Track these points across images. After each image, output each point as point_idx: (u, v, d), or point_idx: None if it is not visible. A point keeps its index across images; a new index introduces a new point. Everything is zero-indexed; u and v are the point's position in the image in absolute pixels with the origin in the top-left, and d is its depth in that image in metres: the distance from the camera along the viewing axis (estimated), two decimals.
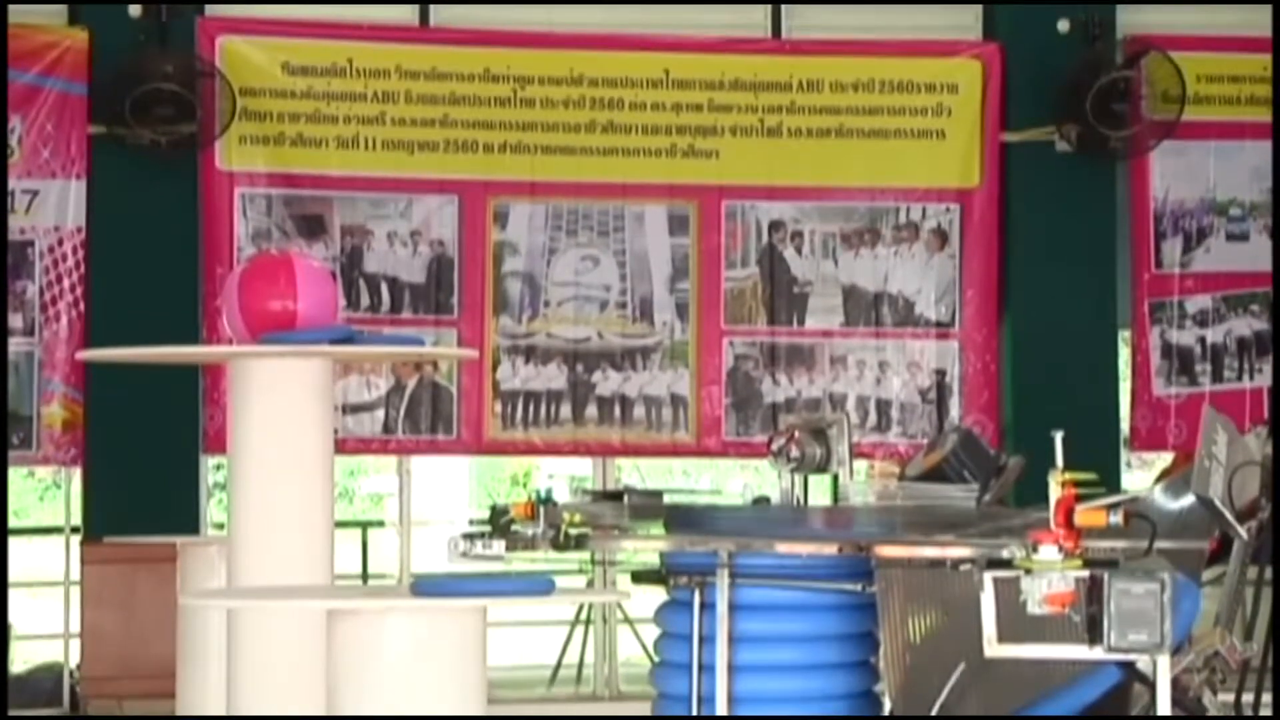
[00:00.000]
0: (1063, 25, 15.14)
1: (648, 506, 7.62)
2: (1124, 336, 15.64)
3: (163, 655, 9.72)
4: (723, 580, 5.46)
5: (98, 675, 13.66)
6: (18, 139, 14.07)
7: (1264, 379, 15.39)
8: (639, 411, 14.95)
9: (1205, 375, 15.52)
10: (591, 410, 14.90)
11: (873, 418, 15.01)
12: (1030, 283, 15.36)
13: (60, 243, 14.16)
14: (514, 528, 8.52)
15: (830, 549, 5.79)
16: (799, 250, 15.21)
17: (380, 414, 14.67)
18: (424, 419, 14.80)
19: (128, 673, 12.84)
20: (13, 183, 14.05)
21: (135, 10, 14.25)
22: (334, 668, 5.87)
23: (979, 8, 15.59)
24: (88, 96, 14.18)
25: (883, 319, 15.29)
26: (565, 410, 14.87)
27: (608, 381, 14.98)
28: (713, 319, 15.09)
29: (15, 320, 14.08)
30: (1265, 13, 15.57)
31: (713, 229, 15.12)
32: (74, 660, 14.00)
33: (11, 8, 14.25)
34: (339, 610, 5.96)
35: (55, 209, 14.17)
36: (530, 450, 15.66)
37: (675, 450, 15.56)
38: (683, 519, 6.77)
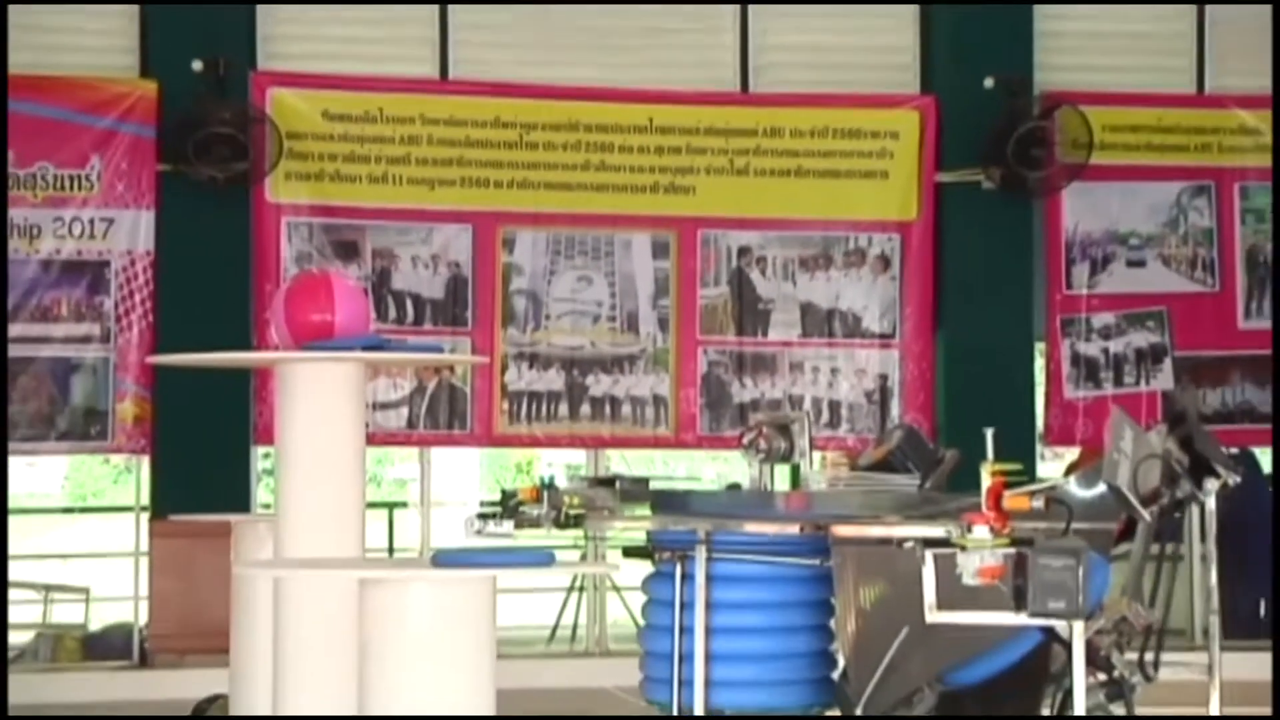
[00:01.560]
0: (988, 82, 15.09)
1: (636, 491, 7.62)
2: (1039, 348, 15.64)
3: (219, 617, 9.67)
4: (701, 554, 5.42)
5: (163, 633, 13.68)
6: (96, 174, 14.06)
7: (1158, 384, 15.43)
8: (626, 410, 14.93)
9: (1108, 381, 15.53)
10: (585, 408, 14.90)
11: (825, 416, 14.98)
12: (960, 301, 15.33)
13: (132, 263, 14.13)
14: (521, 509, 8.50)
15: (793, 528, 5.74)
16: (763, 272, 15.20)
17: (405, 411, 14.67)
18: (442, 415, 14.80)
19: (188, 631, 12.85)
20: (91, 212, 14.06)
21: (197, 65, 14.20)
22: (365, 628, 5.87)
23: (917, 65, 15.54)
24: (156, 139, 14.16)
25: (834, 331, 15.28)
26: (563, 408, 14.86)
27: (599, 384, 14.98)
28: (689, 331, 15.09)
29: (94, 329, 14.07)
30: (1161, 73, 15.76)
31: (689, 254, 15.10)
32: (143, 620, 14.00)
33: (88, 60, 14.45)
34: (369, 579, 5.97)
35: (128, 235, 14.14)
36: (533, 443, 15.65)
37: (657, 443, 15.54)
38: (667, 502, 6.75)
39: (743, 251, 15.20)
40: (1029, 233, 15.46)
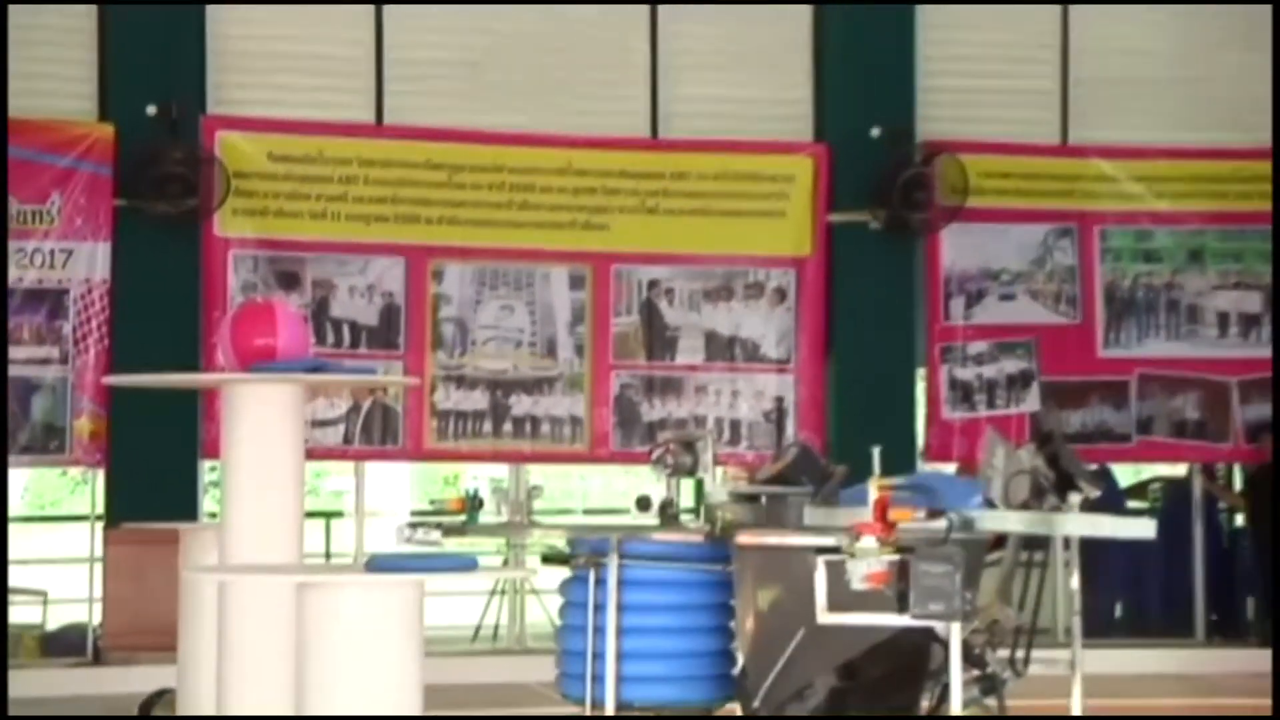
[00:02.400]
0: (875, 132, 15.16)
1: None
2: (920, 373, 15.73)
3: (167, 617, 9.61)
4: (613, 561, 5.39)
5: (115, 633, 13.59)
6: (57, 209, 13.99)
7: (1026, 406, 15.51)
8: (545, 428, 14.93)
9: (981, 403, 15.64)
10: (508, 426, 14.88)
11: (726, 434, 14.98)
12: (850, 330, 15.34)
13: (90, 291, 14.06)
14: (448, 519, 8.50)
15: (697, 536, 5.73)
16: (670, 303, 15.23)
17: (341, 428, 14.62)
18: (375, 432, 14.78)
19: (139, 631, 12.74)
20: (51, 244, 14.00)
21: (152, 109, 14.15)
22: (303, 628, 5.81)
23: (811, 116, 15.57)
24: (113, 176, 14.10)
25: (735, 357, 15.31)
26: (487, 426, 14.84)
27: (520, 404, 14.95)
28: (603, 356, 15.08)
29: (53, 352, 13.99)
30: (1029, 125, 15.88)
31: (604, 286, 15.10)
32: (96, 620, 13.91)
33: (50, 104, 14.31)
34: (307, 583, 5.93)
35: (86, 265, 14.07)
36: (459, 457, 15.69)
37: (573, 458, 15.57)
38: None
39: (652, 284, 15.22)
40: (911, 269, 15.53)
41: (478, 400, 14.86)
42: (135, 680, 10.61)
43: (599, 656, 5.40)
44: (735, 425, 15.14)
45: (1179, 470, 16.75)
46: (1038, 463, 5.53)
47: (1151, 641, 15.44)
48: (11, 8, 14.18)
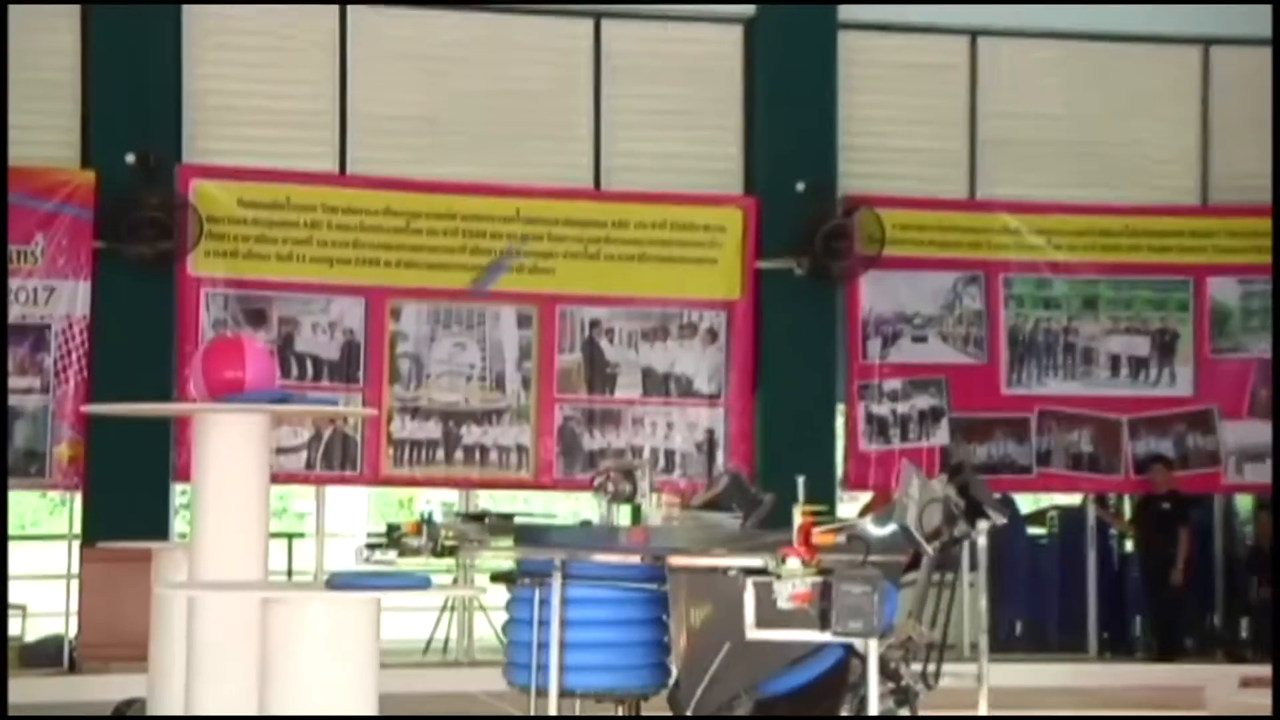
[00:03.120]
0: (800, 186, 15.17)
1: (501, 526, 7.63)
2: (840, 408, 15.69)
3: (139, 630, 9.56)
4: (557, 580, 5.37)
5: (90, 644, 13.48)
6: (40, 250, 13.99)
7: (937, 439, 15.59)
8: (493, 456, 14.92)
9: (896, 436, 15.66)
10: (459, 454, 14.86)
11: (662, 463, 14.93)
12: (776, 368, 15.35)
13: (70, 326, 14.04)
14: (404, 540, 8.50)
15: (635, 558, 5.71)
16: (610, 341, 15.23)
17: (304, 454, 14.58)
18: (336, 459, 14.75)
19: (112, 643, 12.66)
20: (35, 282, 14.01)
21: (130, 158, 14.14)
22: (267, 641, 5.79)
23: (741, 171, 15.61)
24: (93, 220, 14.08)
25: (670, 392, 15.30)
26: (440, 454, 14.83)
27: (471, 434, 14.93)
28: (548, 390, 15.07)
29: (35, 382, 13.97)
30: (940, 182, 15.93)
31: (549, 325, 15.10)
32: (73, 633, 13.82)
33: (35, 152, 14.23)
34: (271, 598, 5.90)
35: (67, 302, 14.06)
36: (413, 483, 15.68)
37: (519, 484, 15.61)
38: (528, 535, 6.73)
39: (594, 323, 15.21)
40: (832, 312, 15.53)
41: (431, 430, 14.84)
42: (108, 689, 10.55)
43: (542, 669, 5.38)
44: (670, 455, 15.13)
45: (1074, 499, 16.82)
46: (949, 492, 5.55)
47: (1049, 656, 15.47)
48: None
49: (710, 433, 15.27)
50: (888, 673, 5.22)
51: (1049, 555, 16.96)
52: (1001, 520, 5.68)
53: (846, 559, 5.39)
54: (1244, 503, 16.94)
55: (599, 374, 15.19)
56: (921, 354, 15.71)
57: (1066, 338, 15.97)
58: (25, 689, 12.66)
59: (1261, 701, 8.95)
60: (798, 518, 5.60)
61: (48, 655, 13.91)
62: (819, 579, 5.26)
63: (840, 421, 15.68)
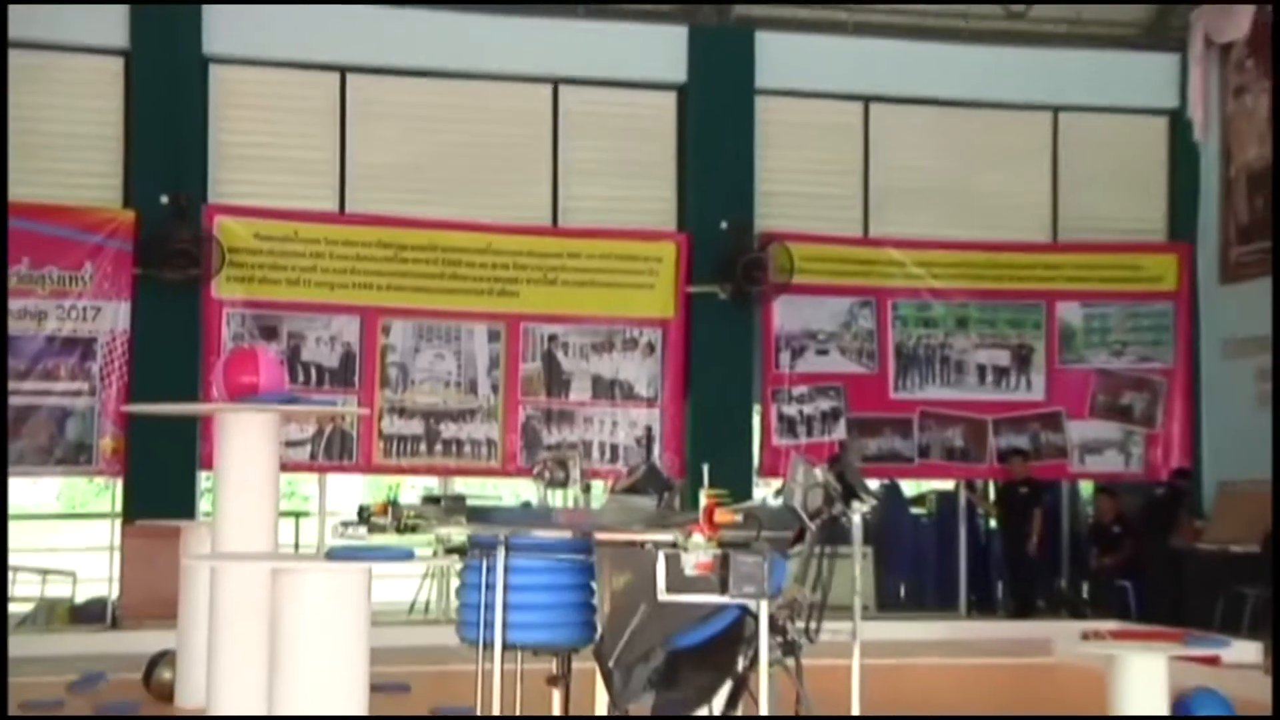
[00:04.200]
0: (723, 224, 15.25)
1: (456, 507, 7.70)
2: (756, 409, 15.72)
3: (171, 593, 9.56)
4: (501, 552, 5.44)
5: (130, 605, 13.46)
6: (89, 275, 13.96)
7: (836, 435, 15.59)
8: (467, 448, 14.93)
9: (803, 433, 15.69)
10: (438, 447, 14.86)
11: (607, 455, 15.06)
12: (703, 376, 15.39)
13: (114, 339, 14.04)
14: (372, 519, 8.57)
15: (567, 533, 5.80)
16: (565, 353, 15.24)
17: (308, 447, 14.56)
18: (335, 451, 14.73)
19: (149, 604, 12.50)
20: (84, 302, 13.98)
21: (164, 199, 14.10)
22: (276, 603, 5.81)
23: (675, 212, 15.59)
24: (133, 251, 14.06)
25: (615, 395, 15.33)
26: (422, 447, 14.83)
27: (449, 430, 14.93)
28: (513, 393, 15.07)
29: (84, 385, 13.95)
30: (840, 221, 15.98)
31: (514, 339, 15.10)
32: (115, 596, 13.82)
33: (84, 194, 14.30)
34: (280, 568, 5.93)
35: (110, 319, 14.04)
36: (400, 471, 15.56)
37: (488, 472, 15.47)
38: (478, 514, 6.74)
39: (551, 338, 15.22)
40: (751, 330, 15.58)
41: (415, 427, 14.86)
42: (144, 643, 10.46)
43: (488, 626, 5.45)
44: (614, 448, 15.18)
45: (948, 485, 16.86)
46: (829, 478, 5.60)
47: (926, 614, 15.54)
48: (53, 118, 14.23)
49: (648, 429, 15.28)
50: (776, 629, 5.22)
51: (927, 531, 17.03)
52: (873, 502, 5.75)
53: (743, 535, 5.38)
54: (1086, 488, 17.10)
55: (555, 380, 15.21)
56: (823, 365, 15.76)
57: (942, 351, 16.05)
58: (75, 642, 12.71)
59: (1099, 652, 8.97)
60: (704, 500, 5.65)
61: (94, 614, 13.93)
62: (719, 551, 5.21)
63: (756, 420, 15.70)
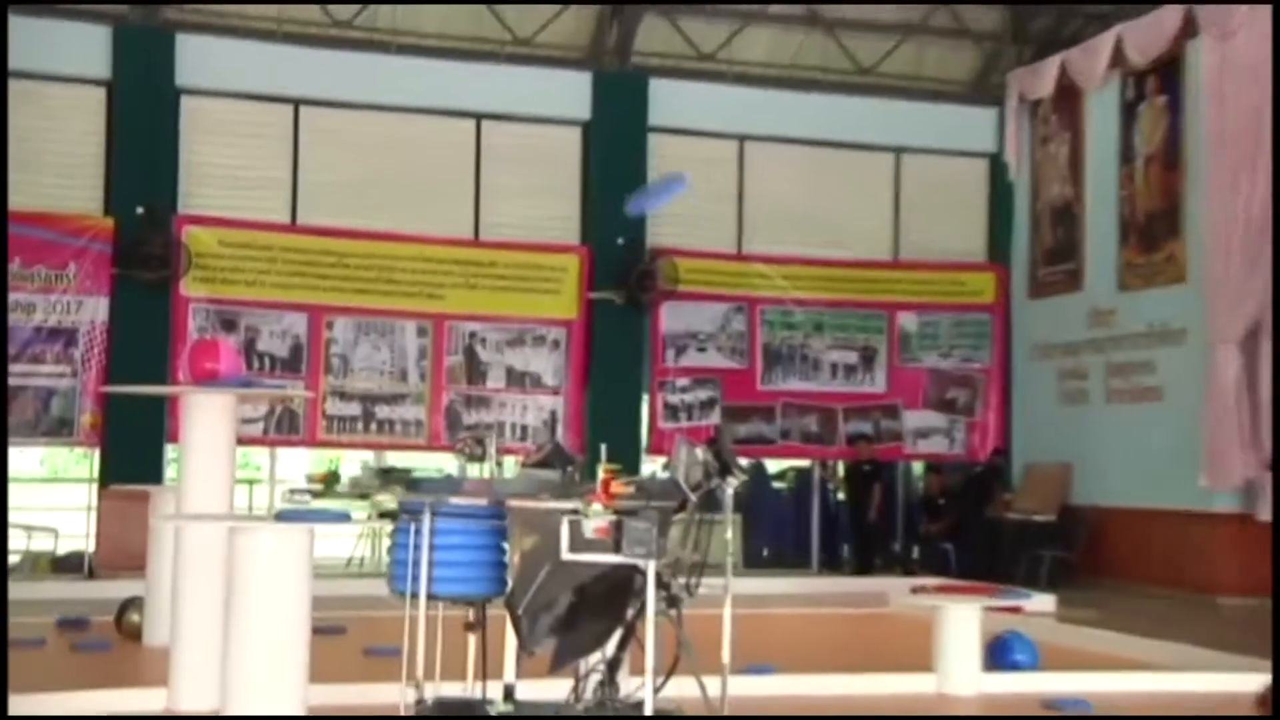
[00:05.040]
0: (620, 240, 15.24)
1: (394, 478, 7.65)
2: (645, 398, 15.73)
3: (140, 548, 9.46)
4: (427, 516, 5.41)
5: (104, 558, 13.34)
6: (73, 274, 13.79)
7: (712, 420, 15.65)
8: (398, 427, 14.84)
9: (684, 418, 15.72)
10: (373, 426, 14.78)
11: (519, 434, 15.00)
12: (601, 369, 15.41)
13: (94, 329, 13.87)
14: (314, 486, 8.47)
15: (483, 500, 5.76)
16: (484, 347, 15.19)
17: (261, 424, 14.42)
18: (285, 427, 14.60)
19: (120, 557, 12.42)
20: (68, 297, 13.80)
21: (140, 209, 13.96)
22: (232, 558, 5.81)
23: (579, 228, 15.63)
24: (112, 254, 13.90)
25: (525, 384, 15.30)
26: (360, 425, 14.74)
27: (383, 411, 14.85)
28: (439, 381, 15.00)
29: (67, 369, 13.77)
30: (717, 239, 15.95)
31: (440, 335, 15.03)
32: (91, 549, 13.70)
33: (70, 204, 14.04)
34: (236, 528, 5.91)
35: (91, 311, 13.87)
36: (340, 445, 15.56)
37: (416, 447, 15.24)
38: (408, 483, 6.65)
39: (472, 334, 15.17)
40: (642, 330, 15.62)
41: (353, 408, 14.76)
42: (116, 590, 10.36)
43: (414, 580, 5.42)
44: (524, 428, 15.14)
45: (805, 463, 16.96)
46: (707, 456, 5.58)
47: (785, 571, 15.57)
48: (43, 138, 13.99)
49: (553, 413, 15.31)
50: (661, 584, 5.24)
51: (786, 502, 17.08)
52: (743, 477, 5.73)
53: (634, 504, 5.36)
54: (918, 467, 17.24)
55: (475, 370, 15.15)
56: (702, 360, 15.82)
57: (802, 351, 16.12)
58: (56, 589, 12.52)
59: (926, 603, 9.04)
60: (601, 474, 5.62)
61: (73, 565, 13.79)
62: (614, 517, 5.19)
63: (645, 407, 15.74)
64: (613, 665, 5.32)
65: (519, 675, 5.31)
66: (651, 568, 5.10)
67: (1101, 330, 15.18)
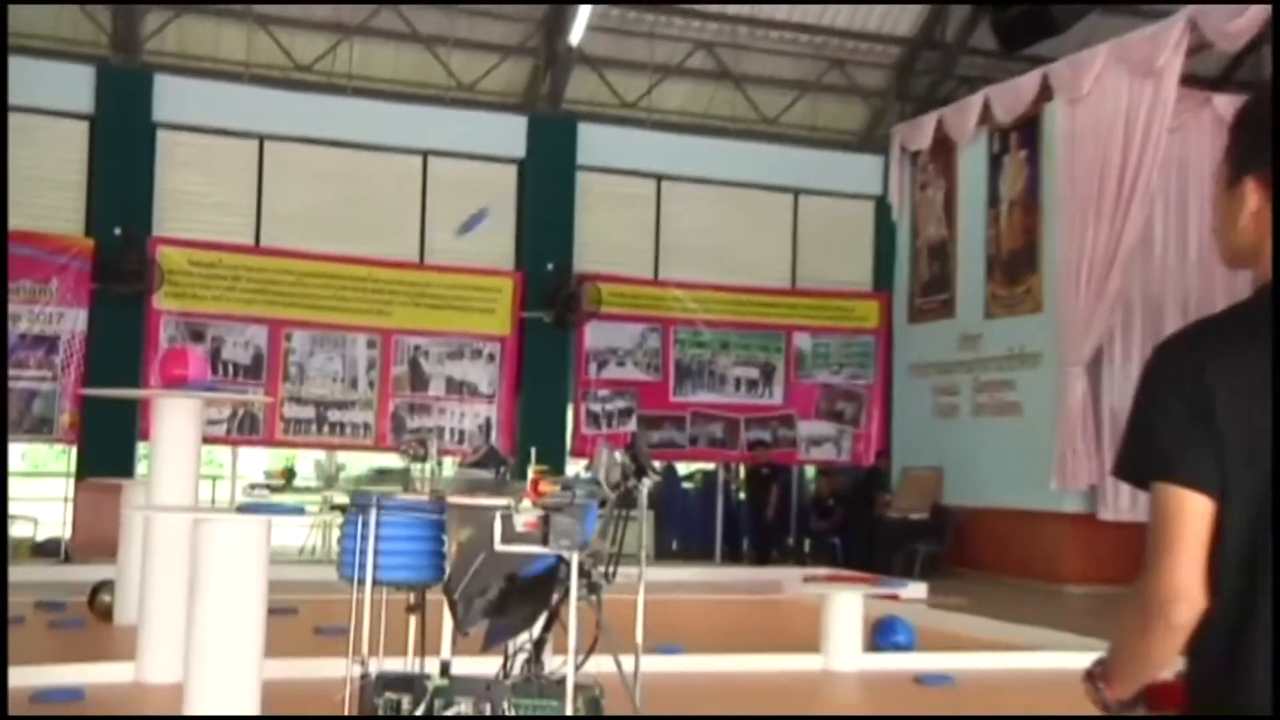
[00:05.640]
0: (549, 266, 15.30)
1: (345, 476, 7.59)
2: (570, 407, 15.71)
3: (113, 536, 9.41)
4: (373, 509, 5.39)
5: (79, 544, 13.18)
6: (55, 288, 13.69)
7: (630, 427, 15.63)
8: (349, 430, 14.80)
9: (604, 425, 15.72)
10: (326, 428, 14.72)
11: (457, 438, 14.93)
12: (531, 380, 15.41)
13: (74, 337, 13.77)
14: (271, 483, 8.40)
15: (425, 497, 5.74)
16: (426, 359, 15.16)
17: (225, 425, 14.31)
18: (246, 428, 14.50)
19: (94, 544, 12.35)
20: (50, 309, 13.69)
21: (118, 230, 13.86)
22: (196, 545, 5.75)
23: (514, 255, 15.62)
24: (91, 270, 13.80)
25: (464, 393, 15.27)
26: (314, 428, 14.67)
27: (335, 415, 14.78)
28: (386, 389, 14.96)
29: (48, 373, 13.64)
30: (635, 267, 15.94)
31: (388, 347, 15.00)
32: (68, 536, 13.56)
33: (54, 225, 13.86)
34: (200, 518, 5.86)
35: (71, 322, 13.77)
36: (296, 445, 15.48)
37: (364, 447, 15.31)
38: (359, 481, 6.59)
39: (416, 347, 15.13)
40: (567, 346, 15.63)
41: (308, 412, 14.69)
42: (90, 574, 10.26)
43: (361, 567, 5.38)
44: (462, 432, 15.12)
45: (711, 466, 17.02)
46: (625, 459, 5.58)
47: (693, 562, 15.64)
48: (31, 164, 13.82)
49: (488, 419, 15.31)
50: (583, 573, 5.24)
51: (695, 500, 17.16)
52: (657, 478, 5.74)
53: (560, 500, 5.32)
54: (810, 471, 17.31)
55: (419, 379, 15.13)
56: (621, 374, 15.84)
57: (710, 367, 16.17)
58: (35, 572, 12.34)
59: (816, 590, 9.07)
60: (530, 474, 5.60)
61: (50, 550, 13.63)
62: (542, 513, 5.17)
63: (570, 414, 15.74)
64: (538, 645, 5.32)
65: (454, 652, 5.31)
66: (575, 558, 5.04)
67: (970, 353, 15.39)
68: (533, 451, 6.39)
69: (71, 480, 13.80)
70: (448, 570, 5.45)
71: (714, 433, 16.17)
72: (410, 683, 5.23)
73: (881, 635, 8.59)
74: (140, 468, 13.65)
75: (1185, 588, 1.73)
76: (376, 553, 5.19)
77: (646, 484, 5.72)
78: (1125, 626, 1.82)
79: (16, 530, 14.32)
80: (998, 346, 14.96)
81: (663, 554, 15.97)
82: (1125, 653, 1.83)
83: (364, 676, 5.34)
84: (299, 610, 9.55)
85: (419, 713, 3.51)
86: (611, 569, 5.34)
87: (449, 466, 8.36)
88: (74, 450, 13.96)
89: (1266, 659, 1.71)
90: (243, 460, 16.37)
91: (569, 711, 3.47)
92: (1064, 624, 9.70)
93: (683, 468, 17.33)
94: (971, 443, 15.11)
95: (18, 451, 18.73)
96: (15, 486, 17.51)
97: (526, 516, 5.09)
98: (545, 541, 4.93)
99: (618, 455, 5.52)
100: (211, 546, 5.65)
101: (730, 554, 16.32)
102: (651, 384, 15.97)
